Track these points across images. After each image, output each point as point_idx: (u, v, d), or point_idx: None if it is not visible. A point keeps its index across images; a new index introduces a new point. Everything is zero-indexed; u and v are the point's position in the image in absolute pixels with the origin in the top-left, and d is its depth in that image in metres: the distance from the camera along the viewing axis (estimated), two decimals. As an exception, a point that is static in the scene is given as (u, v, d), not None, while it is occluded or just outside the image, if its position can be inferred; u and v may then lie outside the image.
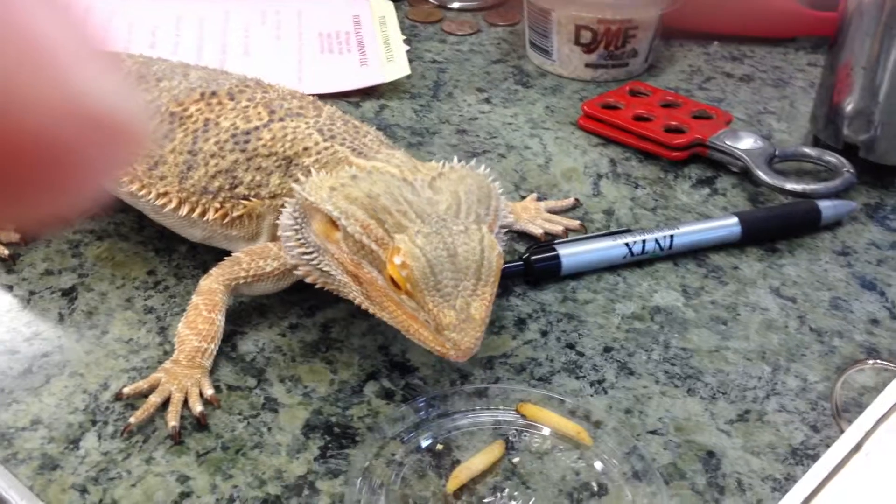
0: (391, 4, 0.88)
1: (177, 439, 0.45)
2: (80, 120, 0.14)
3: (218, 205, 0.52)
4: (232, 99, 0.54)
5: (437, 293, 0.42)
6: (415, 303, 0.43)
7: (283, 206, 0.50)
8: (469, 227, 0.43)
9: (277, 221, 0.49)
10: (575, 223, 0.62)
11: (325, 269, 0.47)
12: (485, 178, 0.48)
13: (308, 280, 0.49)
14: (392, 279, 0.43)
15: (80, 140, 0.14)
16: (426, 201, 0.44)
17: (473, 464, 0.44)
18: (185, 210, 0.52)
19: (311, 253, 0.47)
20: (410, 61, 0.79)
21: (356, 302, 0.47)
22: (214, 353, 0.49)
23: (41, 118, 0.13)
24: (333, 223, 0.45)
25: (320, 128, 0.51)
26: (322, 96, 0.75)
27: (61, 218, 0.15)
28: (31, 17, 0.13)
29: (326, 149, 0.50)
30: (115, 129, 0.14)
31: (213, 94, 0.54)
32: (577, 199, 0.64)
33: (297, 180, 0.49)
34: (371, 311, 0.46)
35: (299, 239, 0.47)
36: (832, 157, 0.66)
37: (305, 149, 0.50)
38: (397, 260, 0.42)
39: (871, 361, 0.45)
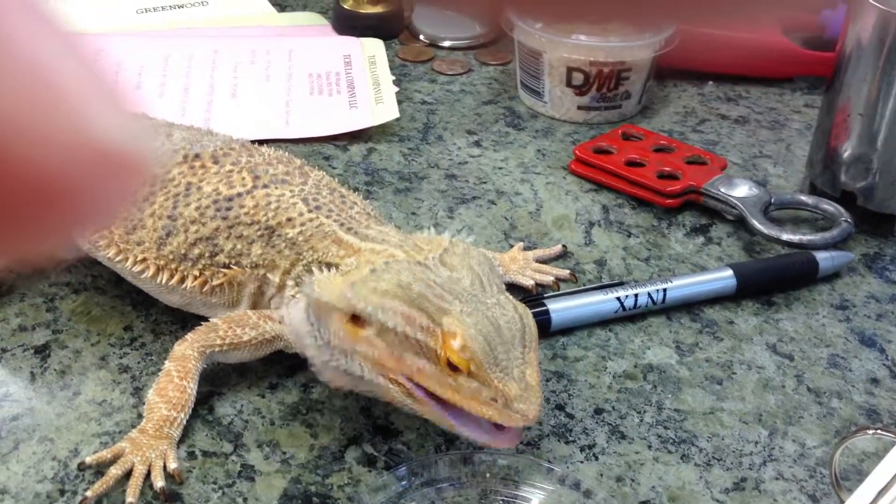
0: (381, 43, 0.86)
1: None
2: (89, 156, 0.14)
3: (197, 272, 0.50)
4: (216, 162, 0.52)
5: (496, 368, 0.41)
6: (477, 382, 0.41)
7: (265, 275, 0.49)
8: (499, 299, 0.43)
9: (262, 290, 0.48)
10: (565, 273, 0.60)
11: (354, 371, 0.44)
12: (481, 250, 0.47)
13: (334, 386, 0.46)
14: (449, 364, 0.41)
15: (87, 176, 0.14)
16: (450, 280, 0.43)
17: None
18: (163, 277, 0.51)
19: (336, 357, 0.45)
20: (400, 102, 0.78)
21: (396, 402, 0.44)
22: (184, 422, 0.47)
23: (48, 153, 0.13)
24: (356, 321, 0.43)
25: (305, 197, 0.50)
26: (309, 140, 0.75)
27: (49, 256, 0.15)
28: (40, 51, 0.13)
29: (311, 220, 0.49)
30: (122, 165, 0.14)
31: (197, 156, 0.52)
32: (564, 247, 0.62)
33: (306, 284, 0.46)
34: (413, 408, 0.44)
35: (320, 345, 0.45)
36: (829, 206, 0.64)
37: (289, 219, 0.49)
38: (456, 343, 0.41)
39: (871, 431, 0.44)
